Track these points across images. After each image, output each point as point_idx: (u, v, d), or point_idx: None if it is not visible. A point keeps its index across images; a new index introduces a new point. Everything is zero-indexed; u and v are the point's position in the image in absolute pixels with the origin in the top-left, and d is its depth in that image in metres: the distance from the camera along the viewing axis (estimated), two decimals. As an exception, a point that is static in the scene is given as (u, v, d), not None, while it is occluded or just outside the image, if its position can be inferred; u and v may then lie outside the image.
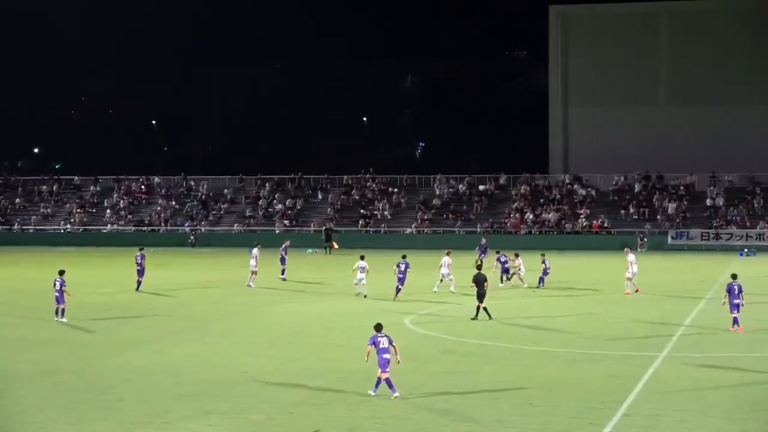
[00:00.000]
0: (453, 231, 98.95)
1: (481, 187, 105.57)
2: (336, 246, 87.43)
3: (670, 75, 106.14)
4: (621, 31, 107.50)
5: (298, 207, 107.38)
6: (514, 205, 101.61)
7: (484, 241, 73.99)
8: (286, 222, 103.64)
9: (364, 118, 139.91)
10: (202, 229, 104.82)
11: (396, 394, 26.92)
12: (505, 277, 57.91)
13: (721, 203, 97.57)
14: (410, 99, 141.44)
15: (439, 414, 25.70)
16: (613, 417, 25.29)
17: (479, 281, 42.86)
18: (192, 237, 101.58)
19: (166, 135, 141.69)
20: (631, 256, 53.98)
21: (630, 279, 53.66)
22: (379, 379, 27.17)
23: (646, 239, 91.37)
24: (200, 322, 43.55)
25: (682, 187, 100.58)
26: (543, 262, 57.71)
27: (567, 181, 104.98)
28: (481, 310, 42.67)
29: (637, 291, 53.27)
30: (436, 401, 27.01)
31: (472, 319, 42.60)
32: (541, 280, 56.76)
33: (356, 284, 52.10)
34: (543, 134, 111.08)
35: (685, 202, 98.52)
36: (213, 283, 61.26)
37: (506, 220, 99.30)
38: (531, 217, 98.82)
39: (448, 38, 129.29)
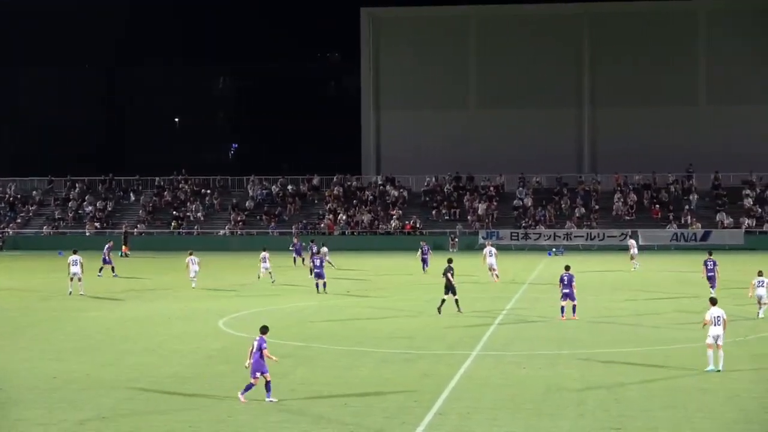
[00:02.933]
0: (267, 232, 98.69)
1: (290, 188, 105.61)
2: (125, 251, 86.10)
3: (480, 78, 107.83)
4: (431, 35, 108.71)
5: (109, 209, 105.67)
6: (328, 206, 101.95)
7: (296, 241, 74.91)
8: (96, 224, 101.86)
9: (176, 119, 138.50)
10: (10, 231, 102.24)
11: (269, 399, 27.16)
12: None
13: (529, 204, 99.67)
14: (223, 101, 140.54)
15: (254, 415, 25.67)
16: (426, 416, 25.63)
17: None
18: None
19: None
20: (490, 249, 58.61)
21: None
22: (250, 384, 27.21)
23: (457, 239, 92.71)
24: (9, 327, 42.51)
25: (491, 188, 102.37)
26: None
27: (379, 182, 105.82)
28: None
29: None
30: (250, 403, 26.95)
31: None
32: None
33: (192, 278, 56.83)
34: (356, 136, 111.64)
35: (495, 203, 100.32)
36: (22, 287, 59.87)
37: (320, 222, 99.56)
38: (344, 218, 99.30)
39: (260, 41, 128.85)
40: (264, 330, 27.91)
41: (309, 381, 29.94)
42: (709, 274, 43.39)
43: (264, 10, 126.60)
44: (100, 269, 65.97)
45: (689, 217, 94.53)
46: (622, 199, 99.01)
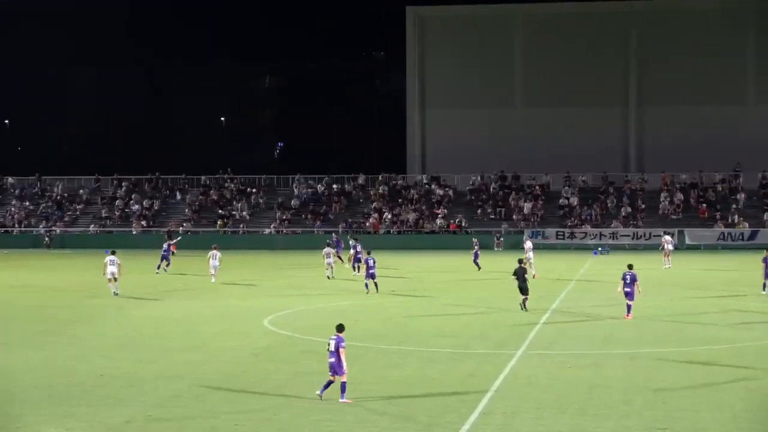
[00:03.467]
0: (312, 231, 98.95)
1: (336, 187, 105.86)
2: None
3: (526, 76, 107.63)
4: (478, 33, 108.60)
5: (156, 208, 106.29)
6: (373, 205, 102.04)
7: (335, 237, 75.70)
8: (143, 223, 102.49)
9: (222, 119, 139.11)
10: (57, 230, 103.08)
11: (342, 400, 26.84)
12: (357, 266, 63.33)
13: (575, 203, 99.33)
14: (269, 100, 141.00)
15: (299, 415, 25.72)
16: (471, 415, 25.59)
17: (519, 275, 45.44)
18: (47, 238, 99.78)
19: (20, 134, 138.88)
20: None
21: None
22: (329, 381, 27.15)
23: (502, 239, 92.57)
24: (56, 324, 42.84)
25: (537, 187, 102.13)
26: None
27: (425, 181, 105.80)
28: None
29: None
30: (293, 402, 27.02)
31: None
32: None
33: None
34: (401, 135, 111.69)
35: (541, 202, 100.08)
36: (69, 285, 60.37)
37: (365, 220, 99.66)
38: (389, 217, 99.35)
39: (306, 39, 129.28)
40: (340, 328, 27.27)
41: (353, 380, 29.86)
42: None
43: (310, 9, 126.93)
44: (158, 266, 67.29)
45: (736, 217, 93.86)
46: (668, 198, 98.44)
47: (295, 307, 48.14)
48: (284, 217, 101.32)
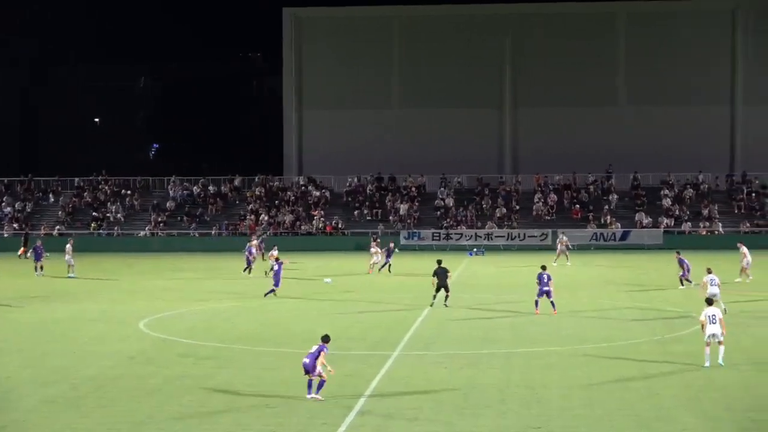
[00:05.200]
0: (188, 233, 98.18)
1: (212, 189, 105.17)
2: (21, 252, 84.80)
3: (403, 78, 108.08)
4: (355, 34, 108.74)
5: (28, 210, 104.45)
6: (249, 207, 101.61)
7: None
8: (15, 225, 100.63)
9: (96, 120, 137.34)
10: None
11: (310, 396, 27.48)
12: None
13: (451, 204, 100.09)
14: (144, 101, 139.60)
15: (175, 419, 25.56)
16: (348, 416, 25.68)
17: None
18: None
19: None
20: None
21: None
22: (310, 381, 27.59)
23: (379, 240, 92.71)
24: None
25: (413, 189, 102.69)
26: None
27: (301, 182, 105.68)
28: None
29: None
30: (171, 405, 26.84)
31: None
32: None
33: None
34: (278, 136, 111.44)
35: (417, 203, 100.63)
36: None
37: (241, 222, 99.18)
38: (266, 218, 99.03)
39: (182, 40, 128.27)
40: (326, 338, 28.24)
41: (231, 382, 29.83)
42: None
43: (186, 10, 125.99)
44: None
45: (608, 217, 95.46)
46: (542, 200, 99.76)
47: (172, 310, 47.73)
48: (159, 219, 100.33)
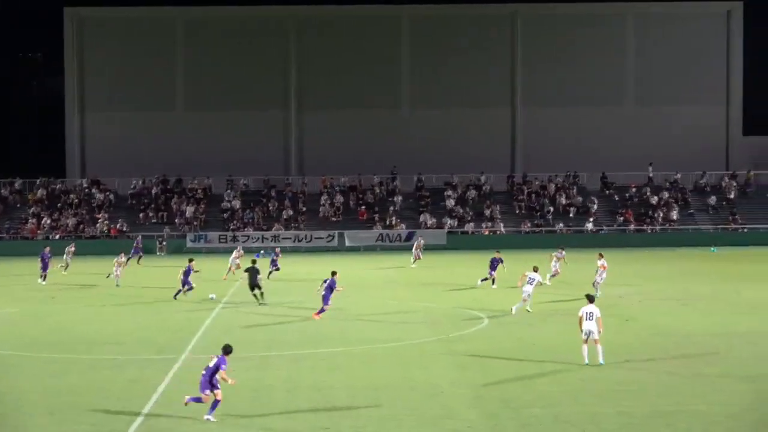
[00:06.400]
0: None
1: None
2: None
3: (188, 80, 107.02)
4: (139, 35, 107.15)
5: None
6: (31, 210, 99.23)
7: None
8: None
9: None
10: None
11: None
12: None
13: (237, 206, 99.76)
14: None
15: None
16: (135, 422, 25.48)
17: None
18: None
19: None
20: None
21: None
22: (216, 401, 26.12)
23: (165, 243, 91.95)
24: None
25: (199, 191, 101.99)
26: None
27: (84, 185, 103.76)
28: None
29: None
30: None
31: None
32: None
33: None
34: (60, 138, 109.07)
35: (203, 205, 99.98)
36: None
37: (22, 226, 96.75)
38: (48, 222, 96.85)
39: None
40: (227, 349, 26.69)
41: (13, 390, 29.18)
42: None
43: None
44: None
45: (394, 218, 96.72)
46: (329, 201, 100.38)
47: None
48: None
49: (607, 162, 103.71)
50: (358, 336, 39.57)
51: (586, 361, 32.35)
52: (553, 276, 57.63)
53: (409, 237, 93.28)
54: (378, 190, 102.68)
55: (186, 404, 26.32)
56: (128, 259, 69.38)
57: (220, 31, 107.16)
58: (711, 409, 26.79)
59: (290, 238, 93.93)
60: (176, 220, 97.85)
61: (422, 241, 77.64)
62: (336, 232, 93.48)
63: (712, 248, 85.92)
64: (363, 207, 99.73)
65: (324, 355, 35.20)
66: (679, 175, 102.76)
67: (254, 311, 47.06)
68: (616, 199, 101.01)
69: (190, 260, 54.48)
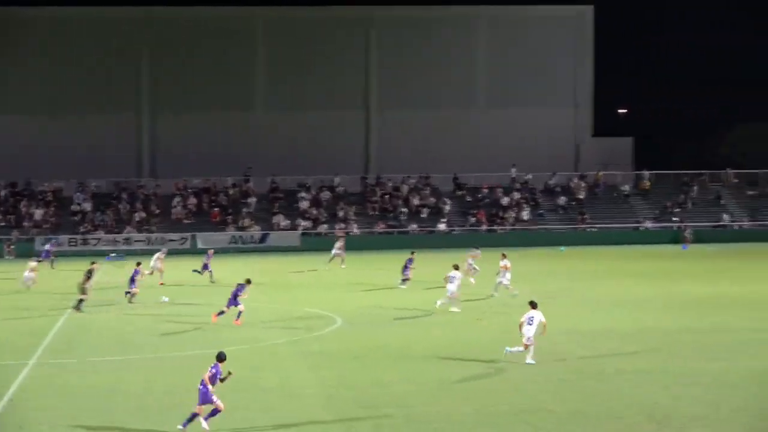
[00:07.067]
0: None
1: None
2: None
3: (41, 82, 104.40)
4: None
5: None
6: None
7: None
8: None
9: None
10: None
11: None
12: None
13: (88, 208, 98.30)
14: None
15: None
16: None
17: None
18: None
19: None
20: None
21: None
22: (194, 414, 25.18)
23: (13, 246, 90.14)
24: None
25: (49, 193, 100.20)
26: None
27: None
28: None
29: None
30: None
31: None
32: None
33: None
34: None
35: (53, 208, 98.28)
36: None
37: None
38: None
39: None
40: (221, 357, 25.99)
41: None
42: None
43: None
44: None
45: (247, 220, 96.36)
46: (182, 203, 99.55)
47: None
48: None
49: (460, 163, 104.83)
50: (213, 338, 39.38)
51: (506, 353, 33.27)
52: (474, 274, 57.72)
53: (263, 239, 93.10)
54: (231, 192, 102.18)
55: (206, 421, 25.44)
56: None
57: (73, 31, 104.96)
58: (564, 407, 27.35)
59: (142, 241, 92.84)
60: (25, 223, 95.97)
61: (340, 243, 74.30)
62: (189, 234, 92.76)
63: (561, 248, 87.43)
64: (216, 209, 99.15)
65: (179, 358, 34.96)
66: (530, 176, 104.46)
67: (109, 312, 46.50)
68: (468, 200, 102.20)
69: (138, 264, 53.72)
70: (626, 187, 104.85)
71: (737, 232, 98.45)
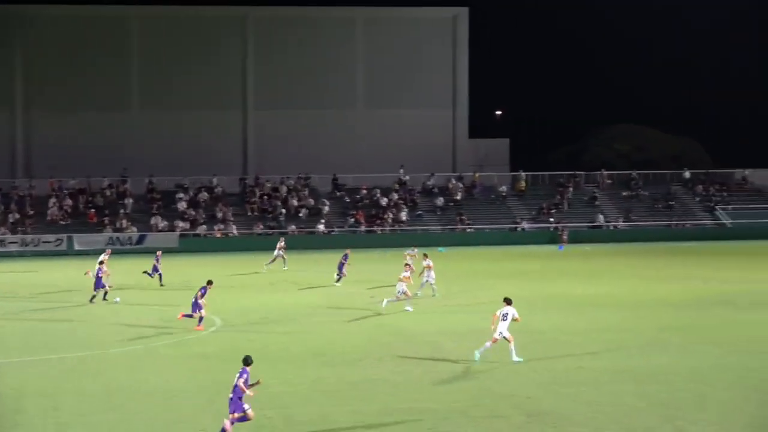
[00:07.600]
0: None
1: None
2: None
3: None
4: None
5: None
6: None
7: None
8: None
9: None
10: None
11: None
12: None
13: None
14: None
15: None
16: None
17: None
18: None
19: None
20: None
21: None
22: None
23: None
24: None
25: None
26: None
27: None
28: None
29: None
30: None
31: None
32: None
33: None
34: None
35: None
36: None
37: None
38: None
39: None
40: (247, 361, 25.08)
41: None
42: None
43: None
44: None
45: (125, 221, 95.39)
46: (57, 204, 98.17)
47: None
48: None
49: (339, 164, 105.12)
50: (90, 340, 39.05)
51: (478, 357, 33.55)
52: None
53: (141, 240, 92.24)
54: (108, 193, 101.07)
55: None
56: None
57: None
58: (440, 407, 27.70)
59: (17, 242, 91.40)
60: None
61: (283, 243, 72.62)
62: (65, 235, 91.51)
63: (439, 248, 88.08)
64: (93, 210, 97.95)
65: (53, 361, 34.60)
66: (407, 177, 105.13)
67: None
68: (347, 200, 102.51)
69: (101, 263, 52.43)
70: (503, 188, 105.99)
71: (612, 233, 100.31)
